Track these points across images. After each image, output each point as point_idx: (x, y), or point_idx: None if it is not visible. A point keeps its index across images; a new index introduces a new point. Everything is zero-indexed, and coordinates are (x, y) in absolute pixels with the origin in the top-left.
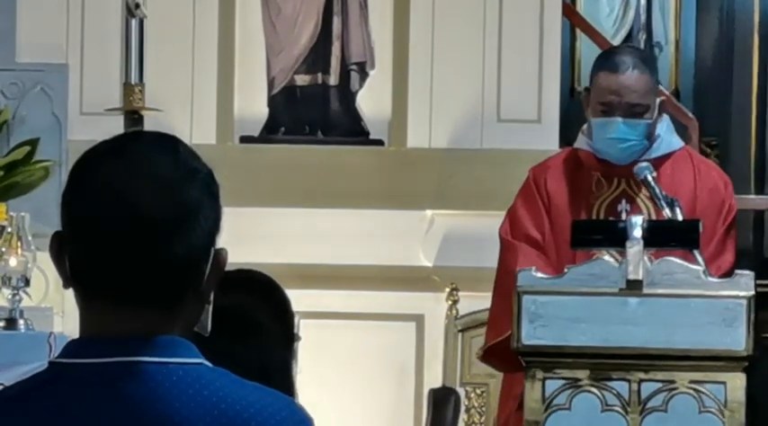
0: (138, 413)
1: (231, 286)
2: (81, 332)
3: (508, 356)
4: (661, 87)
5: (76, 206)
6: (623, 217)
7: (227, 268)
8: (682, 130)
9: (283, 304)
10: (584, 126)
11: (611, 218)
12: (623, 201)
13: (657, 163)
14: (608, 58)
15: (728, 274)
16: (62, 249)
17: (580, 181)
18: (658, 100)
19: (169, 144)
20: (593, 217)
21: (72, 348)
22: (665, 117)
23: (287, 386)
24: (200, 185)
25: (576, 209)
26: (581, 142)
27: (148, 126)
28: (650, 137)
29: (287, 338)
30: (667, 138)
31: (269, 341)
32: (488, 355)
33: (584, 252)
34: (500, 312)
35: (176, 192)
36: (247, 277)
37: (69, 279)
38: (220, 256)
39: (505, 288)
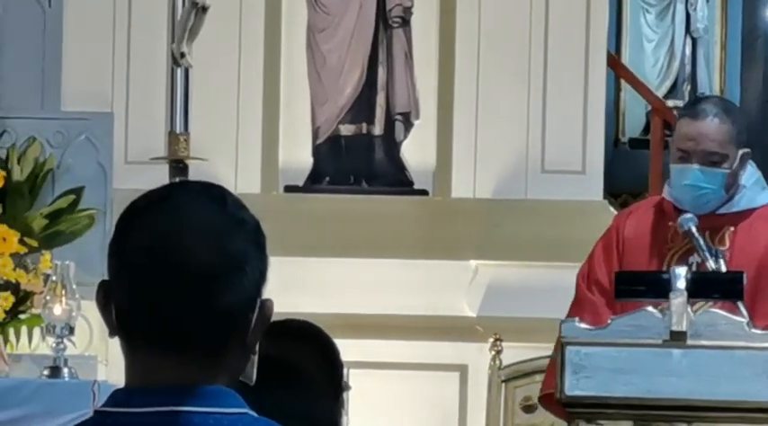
0: None
1: (280, 336)
2: (126, 381)
3: None
4: None
5: (122, 256)
6: (693, 269)
7: (273, 318)
8: None
9: (333, 354)
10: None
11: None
12: (695, 254)
13: (738, 218)
14: (691, 105)
15: None
16: (108, 298)
17: (660, 230)
18: (741, 152)
19: (216, 194)
20: (665, 266)
21: (117, 397)
22: (755, 171)
23: None
24: (247, 236)
25: (651, 257)
26: (665, 191)
27: (193, 175)
28: (729, 188)
29: (336, 388)
30: (751, 194)
31: (317, 391)
32: (548, 400)
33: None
34: None
35: (223, 244)
36: (298, 327)
37: (115, 328)
38: (266, 307)
39: None
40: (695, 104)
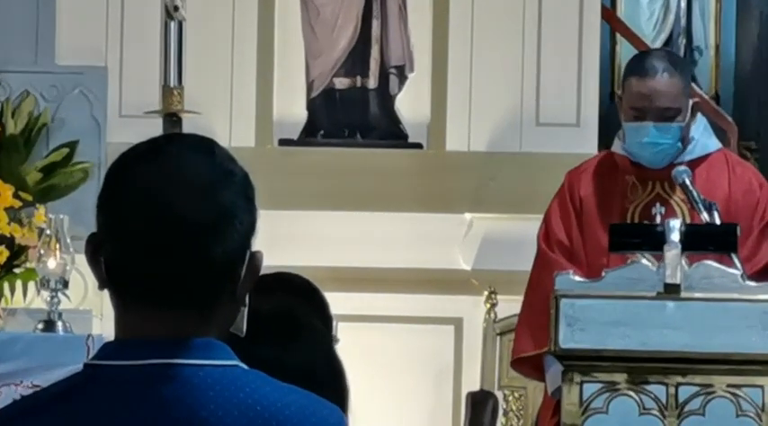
0: (174, 415)
1: (272, 288)
2: (116, 333)
3: (543, 367)
4: (700, 91)
5: (112, 208)
6: (658, 220)
7: (264, 271)
8: (721, 134)
9: (323, 306)
10: (621, 130)
11: (647, 222)
12: (657, 204)
13: (693, 165)
14: (638, 63)
15: (764, 272)
16: (97, 251)
17: (615, 184)
18: (691, 102)
19: (205, 146)
20: (628, 220)
21: (107, 350)
22: (702, 118)
23: (338, 382)
24: (236, 188)
25: (610, 213)
26: (617, 146)
27: (187, 128)
28: (683, 140)
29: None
30: (703, 141)
31: (322, 343)
32: (521, 364)
33: (619, 257)
34: (540, 324)
35: (212, 195)
36: (287, 279)
37: (105, 280)
38: (256, 259)
39: (542, 305)
40: (642, 61)
